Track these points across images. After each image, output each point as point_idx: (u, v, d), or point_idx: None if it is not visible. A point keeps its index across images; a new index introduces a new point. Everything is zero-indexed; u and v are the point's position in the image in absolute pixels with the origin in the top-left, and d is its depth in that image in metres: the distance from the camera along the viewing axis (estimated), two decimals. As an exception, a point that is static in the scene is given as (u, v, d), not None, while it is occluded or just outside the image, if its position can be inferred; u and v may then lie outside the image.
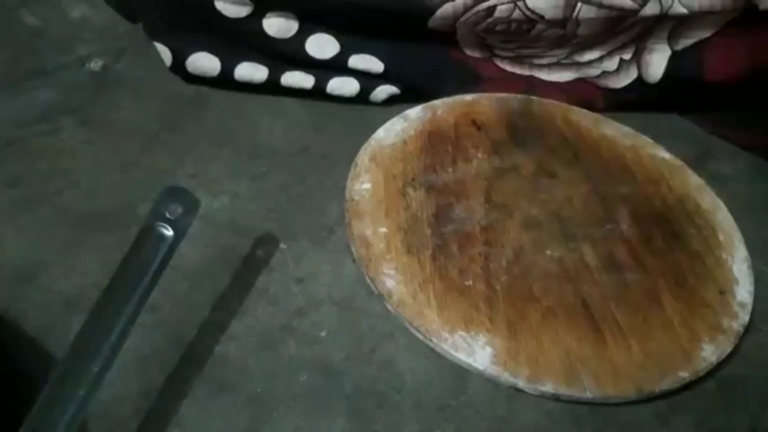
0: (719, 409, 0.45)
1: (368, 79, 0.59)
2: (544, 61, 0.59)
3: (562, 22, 0.54)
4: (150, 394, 0.43)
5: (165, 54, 0.58)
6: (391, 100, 0.61)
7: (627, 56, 0.58)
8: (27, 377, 0.42)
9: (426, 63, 0.59)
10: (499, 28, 0.55)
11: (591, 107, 0.61)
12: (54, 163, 0.55)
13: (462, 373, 0.46)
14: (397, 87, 0.59)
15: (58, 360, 0.43)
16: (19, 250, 0.49)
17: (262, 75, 0.58)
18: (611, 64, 0.58)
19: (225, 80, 0.59)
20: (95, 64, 0.61)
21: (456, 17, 0.55)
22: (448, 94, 0.60)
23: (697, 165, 0.57)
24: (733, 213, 0.55)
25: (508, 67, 0.60)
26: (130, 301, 0.39)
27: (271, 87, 0.59)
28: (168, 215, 0.41)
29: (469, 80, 0.60)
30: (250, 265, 0.50)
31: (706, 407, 0.45)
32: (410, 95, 0.60)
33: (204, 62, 0.58)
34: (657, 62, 0.58)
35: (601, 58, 0.58)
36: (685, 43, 0.57)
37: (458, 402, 0.45)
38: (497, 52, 0.59)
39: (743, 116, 0.59)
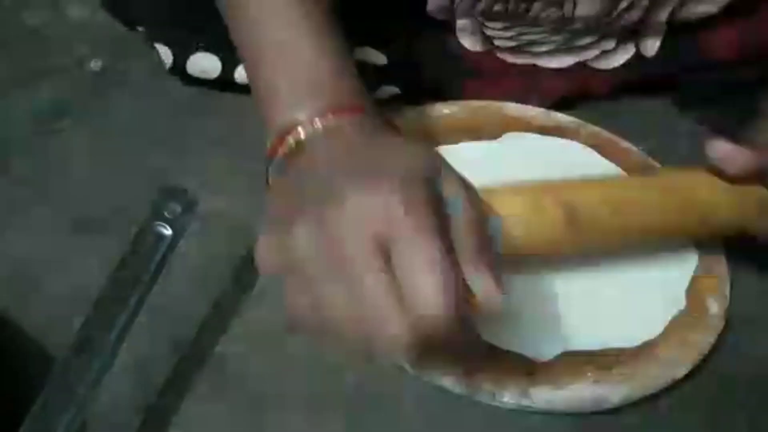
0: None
1: (369, 80, 0.59)
2: (544, 48, 0.59)
3: (559, 0, 0.54)
4: (150, 394, 0.43)
5: (166, 55, 0.58)
6: (391, 100, 0.61)
7: (624, 37, 0.58)
8: (27, 377, 0.42)
9: (425, 61, 0.59)
10: (496, 8, 0.55)
11: (591, 93, 0.61)
12: (54, 163, 0.55)
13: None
14: (398, 86, 0.59)
15: (57, 360, 0.43)
16: (18, 250, 0.49)
17: None
18: (609, 44, 0.58)
19: (224, 81, 0.59)
20: (95, 64, 0.61)
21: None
22: (449, 91, 0.60)
23: (697, 165, 0.57)
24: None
25: (509, 58, 0.59)
26: (129, 300, 0.39)
27: None
28: (167, 214, 0.41)
29: (470, 76, 0.60)
30: (249, 264, 0.50)
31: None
32: (411, 94, 0.59)
33: (205, 63, 0.58)
34: (654, 38, 0.58)
35: (599, 41, 0.58)
36: (683, 20, 0.57)
37: (459, 402, 0.45)
38: (497, 43, 0.58)
39: (746, 109, 0.59)
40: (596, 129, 0.59)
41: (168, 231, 0.41)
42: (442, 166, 0.36)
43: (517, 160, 0.55)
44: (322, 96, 0.39)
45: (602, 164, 0.56)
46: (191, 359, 0.45)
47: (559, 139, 0.57)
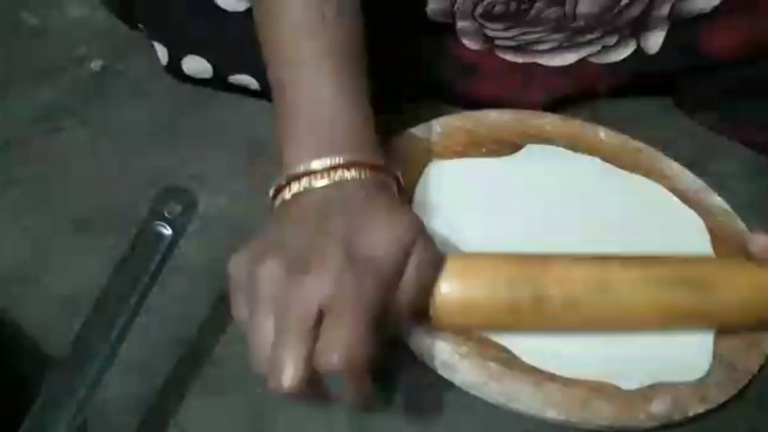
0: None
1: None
2: (546, 46, 0.59)
3: None
4: (150, 394, 0.43)
5: (162, 53, 0.58)
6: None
7: (626, 32, 0.58)
8: (26, 377, 0.42)
9: (424, 60, 0.59)
10: (497, 10, 0.55)
11: (592, 90, 0.60)
12: (54, 163, 0.55)
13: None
14: (398, 86, 0.58)
15: (57, 360, 0.43)
16: (18, 250, 0.49)
17: (256, 86, 0.58)
18: (611, 39, 0.58)
19: (219, 82, 0.59)
20: (95, 64, 0.61)
21: (453, 2, 0.55)
22: (449, 90, 0.60)
23: (697, 165, 0.57)
24: (735, 212, 0.55)
25: (510, 57, 0.59)
26: (129, 300, 0.39)
27: (266, 96, 0.59)
28: (166, 214, 0.41)
29: (470, 74, 0.60)
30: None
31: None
32: (411, 94, 0.59)
33: (198, 66, 0.58)
34: (656, 34, 0.58)
35: (601, 37, 0.58)
36: (684, 17, 0.57)
37: (459, 401, 0.45)
38: (498, 42, 0.58)
39: (745, 111, 0.59)
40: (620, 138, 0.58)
41: (168, 231, 0.41)
42: (421, 237, 0.41)
43: (534, 179, 0.54)
44: (338, 150, 0.42)
45: (624, 183, 0.55)
46: (191, 359, 0.45)
47: (581, 156, 0.56)
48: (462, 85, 0.60)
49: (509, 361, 0.45)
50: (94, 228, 0.51)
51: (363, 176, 0.41)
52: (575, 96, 0.60)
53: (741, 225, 0.53)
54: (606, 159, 0.56)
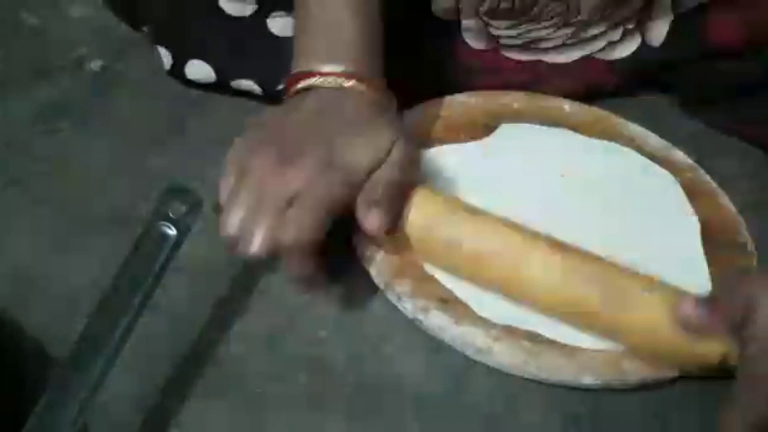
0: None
1: None
2: (551, 44, 0.59)
3: None
4: (150, 394, 0.43)
5: (166, 58, 0.58)
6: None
7: (631, 25, 0.59)
8: (26, 377, 0.42)
9: (429, 60, 0.59)
10: (502, 6, 0.55)
11: (598, 88, 0.61)
12: (53, 163, 0.55)
13: (463, 372, 0.46)
14: (400, 85, 0.58)
15: (57, 360, 0.43)
16: (18, 250, 0.49)
17: (258, 91, 0.58)
18: (615, 34, 0.59)
19: (221, 87, 0.59)
20: (95, 64, 0.61)
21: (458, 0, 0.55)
22: (453, 89, 0.60)
23: (701, 164, 0.57)
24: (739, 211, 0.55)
25: (515, 55, 0.60)
26: (132, 301, 0.39)
27: (269, 100, 0.59)
28: (171, 214, 0.41)
29: (475, 73, 0.60)
30: (250, 264, 0.50)
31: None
32: (414, 93, 0.59)
33: (201, 70, 0.58)
34: (660, 25, 0.59)
35: (605, 32, 0.58)
36: (687, 6, 0.57)
37: (459, 401, 0.45)
38: (503, 41, 0.59)
39: (749, 107, 0.59)
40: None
41: (172, 231, 0.40)
42: (399, 142, 0.47)
43: (515, 156, 0.56)
44: (347, 63, 0.47)
45: (598, 150, 0.57)
46: (192, 359, 0.45)
47: (554, 129, 0.58)
48: (467, 86, 0.60)
49: (536, 337, 0.46)
50: (94, 228, 0.51)
51: (363, 89, 0.47)
52: (582, 95, 0.60)
53: (707, 177, 0.56)
54: (573, 129, 0.58)
